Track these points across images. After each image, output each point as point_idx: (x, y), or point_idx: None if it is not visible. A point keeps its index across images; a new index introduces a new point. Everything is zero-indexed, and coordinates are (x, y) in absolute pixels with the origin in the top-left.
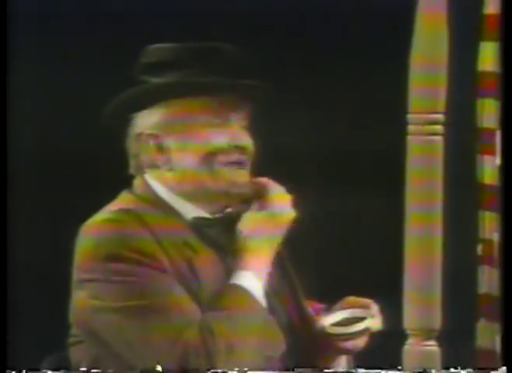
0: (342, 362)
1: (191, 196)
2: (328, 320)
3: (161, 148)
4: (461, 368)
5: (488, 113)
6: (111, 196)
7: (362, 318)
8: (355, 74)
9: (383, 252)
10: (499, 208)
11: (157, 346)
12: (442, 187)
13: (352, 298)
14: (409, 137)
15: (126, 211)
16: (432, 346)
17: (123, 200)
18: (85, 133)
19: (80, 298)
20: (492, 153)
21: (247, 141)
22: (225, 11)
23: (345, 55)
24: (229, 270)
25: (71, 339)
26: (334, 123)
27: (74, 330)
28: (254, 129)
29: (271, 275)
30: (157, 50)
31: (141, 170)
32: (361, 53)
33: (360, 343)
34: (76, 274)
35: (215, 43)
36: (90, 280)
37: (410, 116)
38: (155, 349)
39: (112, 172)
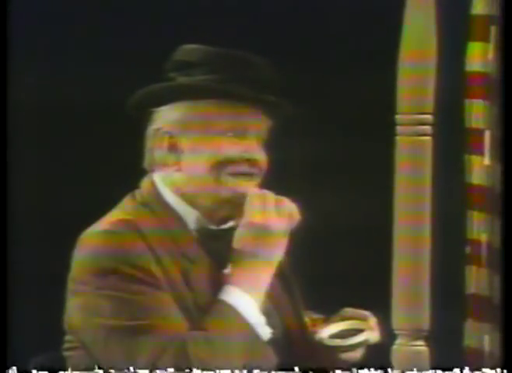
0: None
1: (195, 201)
2: (326, 332)
3: (174, 147)
4: (450, 368)
5: (476, 113)
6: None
7: (360, 331)
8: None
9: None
10: (488, 208)
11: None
12: (430, 187)
13: (349, 310)
14: (397, 138)
15: (125, 222)
16: (420, 346)
17: (124, 209)
18: (85, 133)
19: (72, 307)
20: (481, 153)
21: (259, 154)
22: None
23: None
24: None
25: (66, 345)
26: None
27: (68, 336)
28: (271, 144)
29: (272, 288)
30: (190, 50)
31: (152, 167)
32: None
33: (357, 355)
34: (70, 284)
35: (248, 54)
36: (82, 293)
37: (398, 117)
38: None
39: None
